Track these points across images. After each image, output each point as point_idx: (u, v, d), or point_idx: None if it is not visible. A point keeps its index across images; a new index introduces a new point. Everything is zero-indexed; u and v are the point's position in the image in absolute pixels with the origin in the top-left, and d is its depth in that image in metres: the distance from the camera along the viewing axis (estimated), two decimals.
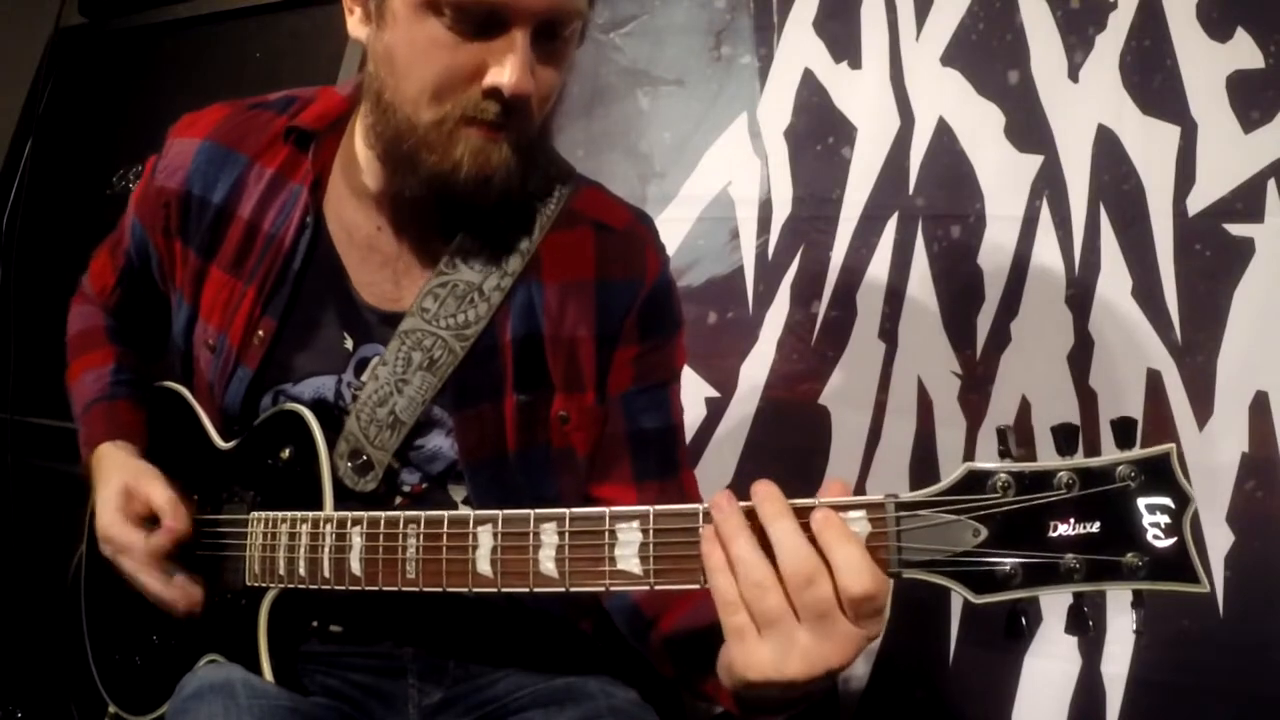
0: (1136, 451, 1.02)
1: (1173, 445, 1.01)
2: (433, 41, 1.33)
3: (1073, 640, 2.09)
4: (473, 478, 1.53)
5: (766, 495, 1.11)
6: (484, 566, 1.27)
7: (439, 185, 1.40)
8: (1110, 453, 1.03)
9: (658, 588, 1.18)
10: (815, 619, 1.05)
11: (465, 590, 1.29)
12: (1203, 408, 2.07)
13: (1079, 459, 1.04)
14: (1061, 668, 2.12)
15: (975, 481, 1.05)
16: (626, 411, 1.61)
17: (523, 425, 1.54)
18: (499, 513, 1.26)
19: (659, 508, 1.19)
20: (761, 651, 1.08)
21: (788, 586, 1.06)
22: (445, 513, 1.31)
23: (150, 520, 1.54)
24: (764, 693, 1.11)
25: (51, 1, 3.46)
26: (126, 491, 1.55)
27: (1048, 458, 1.05)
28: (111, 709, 1.70)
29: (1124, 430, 1.03)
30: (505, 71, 1.32)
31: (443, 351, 1.50)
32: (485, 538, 1.27)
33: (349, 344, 1.55)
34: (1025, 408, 2.21)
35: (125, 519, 1.53)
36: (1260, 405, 2.03)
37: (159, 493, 1.53)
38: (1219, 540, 2.02)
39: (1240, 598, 2.00)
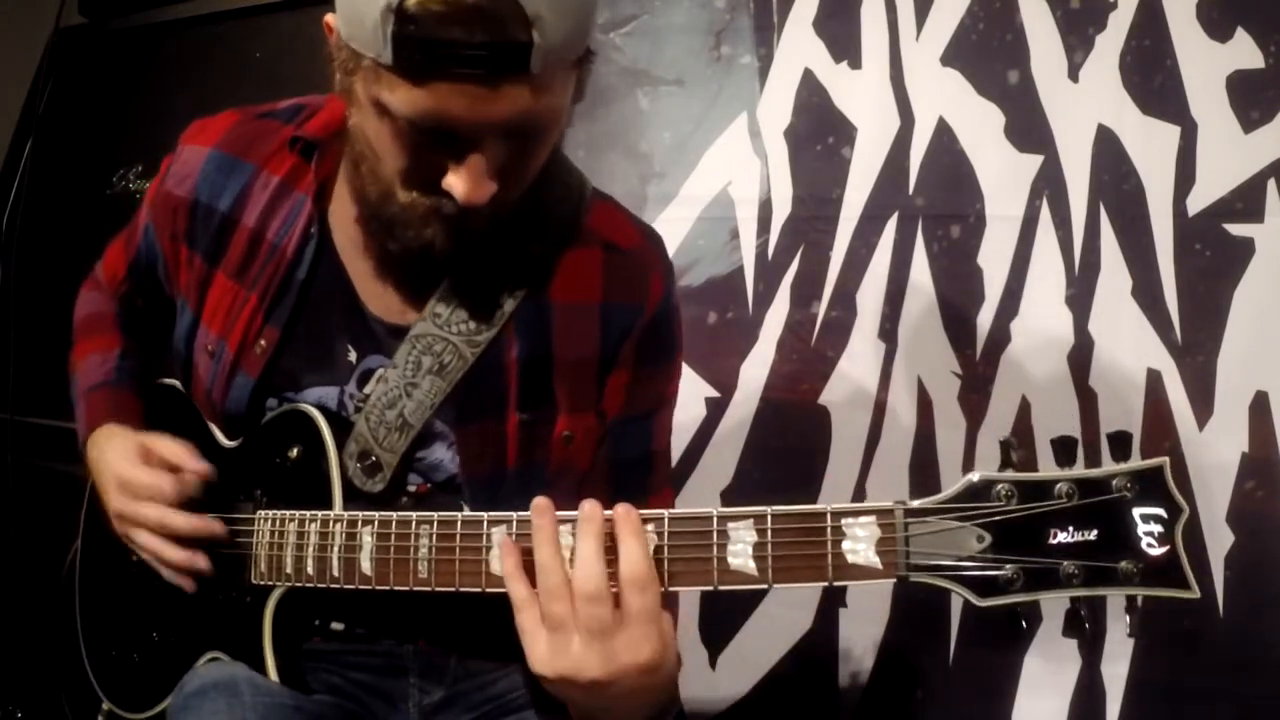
0: (1132, 464, 1.07)
1: (1166, 459, 1.06)
2: (394, 138, 1.30)
3: (1073, 641, 2.09)
4: (472, 492, 1.53)
5: (586, 515, 1.21)
6: (498, 567, 1.28)
7: (418, 253, 1.40)
8: (1108, 463, 1.08)
9: (671, 589, 1.21)
10: (589, 633, 1.17)
11: (478, 590, 1.30)
12: (1203, 408, 2.08)
13: (1078, 470, 1.08)
14: (1061, 668, 2.13)
15: (979, 490, 1.09)
16: (611, 437, 1.61)
17: (524, 443, 1.53)
18: (513, 514, 1.27)
19: (674, 512, 1.21)
20: (539, 646, 1.20)
21: (575, 598, 1.17)
22: (459, 514, 1.32)
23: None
24: (559, 693, 1.23)
25: (51, 1, 3.46)
26: (140, 445, 1.55)
27: (1048, 467, 1.09)
28: (105, 706, 1.70)
29: (1120, 443, 1.08)
30: (459, 184, 1.29)
31: (453, 357, 1.50)
32: (499, 539, 1.28)
33: (353, 356, 1.55)
34: (1025, 408, 2.22)
35: (143, 465, 1.52)
36: (1260, 405, 2.04)
37: (170, 445, 1.54)
38: (1219, 540, 2.03)
39: (1240, 598, 2.01)
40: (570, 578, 1.18)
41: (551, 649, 1.19)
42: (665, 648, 1.19)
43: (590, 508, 1.21)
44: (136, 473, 1.52)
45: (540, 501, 1.23)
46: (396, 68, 1.21)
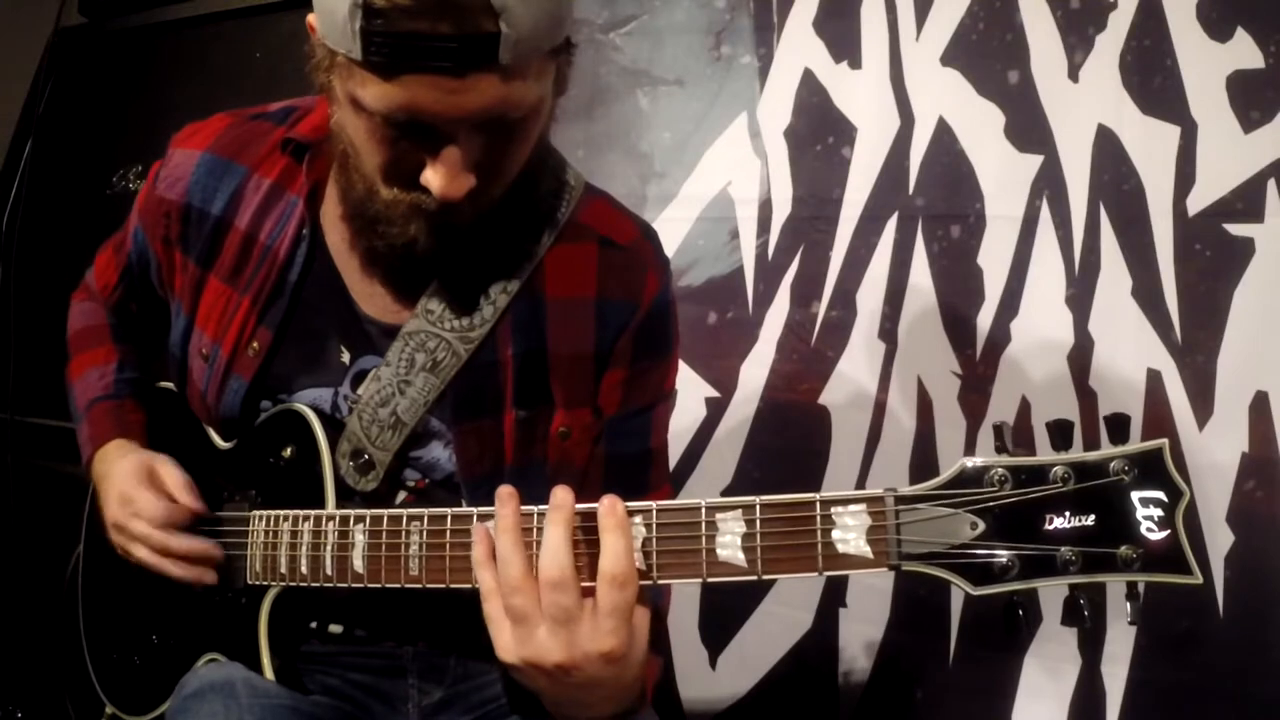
0: (1130, 446, 1.05)
1: (1165, 440, 1.04)
2: (370, 134, 1.30)
3: (1073, 640, 2.09)
4: (470, 490, 1.52)
5: (556, 502, 1.20)
6: None
7: (402, 250, 1.40)
8: (1106, 449, 1.05)
9: (660, 581, 1.20)
10: (552, 620, 1.16)
11: (469, 587, 1.29)
12: (1203, 408, 2.07)
13: (1074, 454, 1.06)
14: (1061, 668, 2.12)
15: (972, 476, 1.07)
16: (608, 434, 1.60)
17: (521, 440, 1.53)
18: None
19: (662, 503, 1.20)
20: (504, 634, 1.20)
21: (540, 585, 1.17)
22: (449, 510, 1.31)
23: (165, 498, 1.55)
24: (526, 680, 1.22)
25: (51, 1, 3.47)
26: (147, 466, 1.57)
27: (1045, 454, 1.07)
28: (109, 709, 1.71)
29: (1118, 426, 1.05)
30: (435, 178, 1.29)
31: (446, 354, 1.50)
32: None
33: (345, 357, 1.55)
34: (1025, 408, 2.21)
35: (143, 486, 1.54)
36: (1260, 405, 2.03)
37: (175, 475, 1.56)
38: (1219, 540, 2.02)
39: (1240, 598, 2.01)
40: (532, 570, 1.18)
41: (515, 637, 1.19)
42: (632, 641, 1.19)
43: (562, 495, 1.20)
44: (137, 491, 1.54)
45: (503, 490, 1.23)
46: (366, 63, 1.21)
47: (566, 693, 1.22)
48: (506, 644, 1.20)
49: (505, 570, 1.19)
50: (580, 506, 1.21)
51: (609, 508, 1.18)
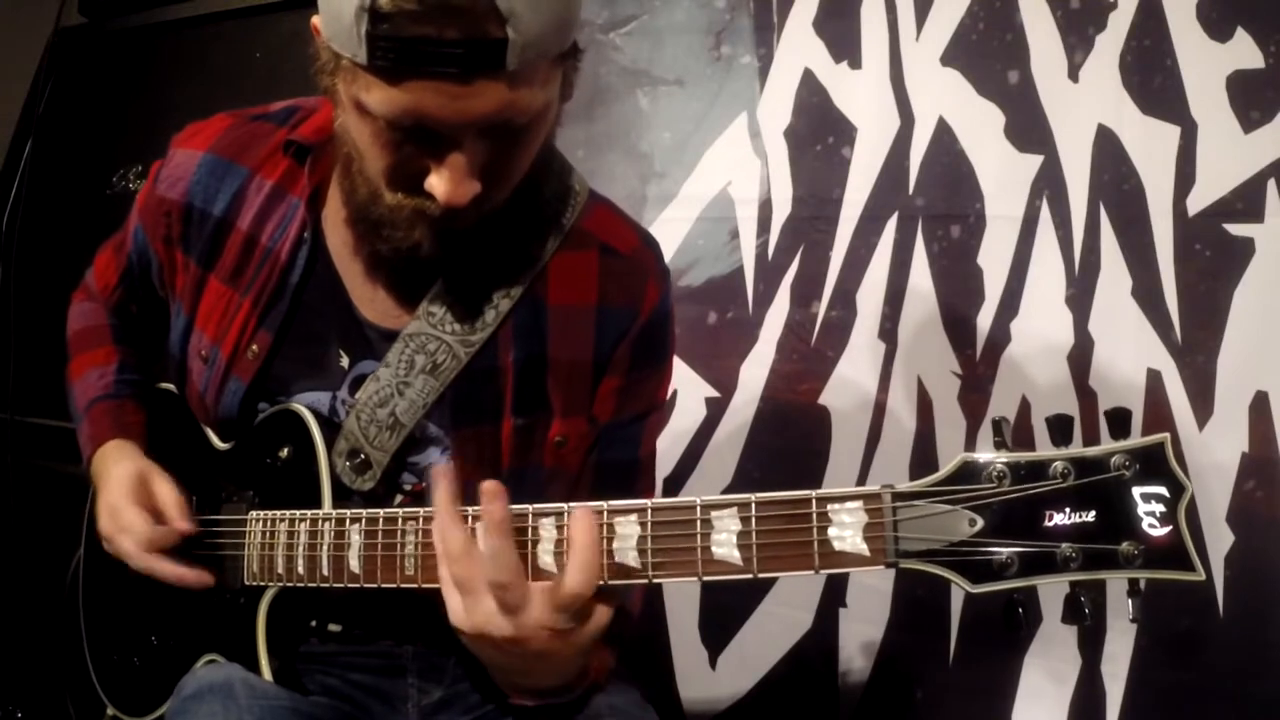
0: (1131, 441, 1.03)
1: (1167, 434, 1.02)
2: (375, 138, 1.30)
3: (1073, 640, 2.09)
4: (467, 496, 1.52)
5: (488, 506, 1.22)
6: None
7: (405, 254, 1.39)
8: (1107, 443, 1.04)
9: (655, 580, 1.19)
10: (502, 605, 1.20)
11: None
12: (1203, 408, 2.07)
13: (1074, 449, 1.04)
14: (1061, 668, 2.12)
15: (971, 472, 1.06)
16: (600, 441, 1.60)
17: (518, 446, 1.53)
18: None
19: (657, 501, 1.20)
20: (453, 600, 1.23)
21: (490, 583, 1.21)
22: None
23: (154, 515, 1.54)
24: (474, 647, 1.27)
25: (51, 1, 3.46)
26: (140, 478, 1.56)
27: (1044, 449, 1.06)
28: (110, 710, 1.70)
29: (1119, 420, 1.04)
30: (440, 184, 1.28)
31: (446, 356, 1.49)
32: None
33: (345, 361, 1.54)
34: (1025, 408, 2.21)
35: (133, 501, 1.53)
36: (1260, 405, 2.03)
37: (167, 492, 1.54)
38: (1219, 540, 2.02)
39: (1240, 598, 2.00)
40: (472, 542, 1.22)
41: (464, 605, 1.22)
42: (583, 621, 1.22)
43: (494, 491, 1.23)
44: (125, 506, 1.53)
45: (437, 470, 1.29)
46: (371, 67, 1.21)
47: (513, 661, 1.26)
48: (456, 610, 1.23)
49: (446, 544, 1.23)
50: (576, 506, 1.22)
51: (584, 525, 1.21)
